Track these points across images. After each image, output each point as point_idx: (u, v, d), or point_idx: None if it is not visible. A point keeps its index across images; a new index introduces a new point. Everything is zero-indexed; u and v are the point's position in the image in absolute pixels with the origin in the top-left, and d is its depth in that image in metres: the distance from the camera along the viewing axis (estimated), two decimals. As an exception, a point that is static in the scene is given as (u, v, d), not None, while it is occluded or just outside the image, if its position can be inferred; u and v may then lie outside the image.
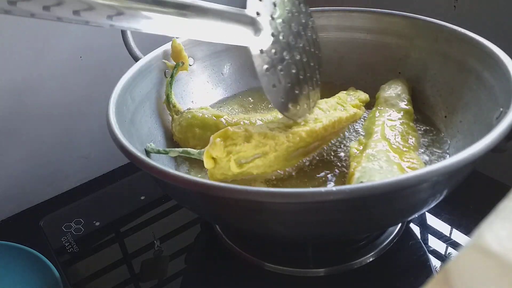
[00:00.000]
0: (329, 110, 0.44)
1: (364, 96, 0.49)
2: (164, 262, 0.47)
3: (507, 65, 0.38)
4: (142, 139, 0.43)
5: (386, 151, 0.39)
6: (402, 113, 0.45)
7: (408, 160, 0.38)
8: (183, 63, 0.49)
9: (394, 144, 0.40)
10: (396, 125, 0.43)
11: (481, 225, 0.17)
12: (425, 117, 0.48)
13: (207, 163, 0.37)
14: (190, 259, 0.47)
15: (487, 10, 0.53)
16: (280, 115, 0.44)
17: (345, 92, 0.49)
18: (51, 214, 0.56)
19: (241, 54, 0.56)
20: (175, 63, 0.49)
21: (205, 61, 0.55)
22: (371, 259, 0.43)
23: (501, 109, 0.36)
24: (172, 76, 0.48)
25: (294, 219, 0.32)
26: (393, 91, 0.48)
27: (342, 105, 0.45)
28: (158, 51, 0.50)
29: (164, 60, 0.49)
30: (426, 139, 0.45)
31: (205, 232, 0.50)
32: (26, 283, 0.46)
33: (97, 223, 0.53)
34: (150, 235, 0.50)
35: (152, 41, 0.51)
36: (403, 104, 0.46)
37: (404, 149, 0.40)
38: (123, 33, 0.49)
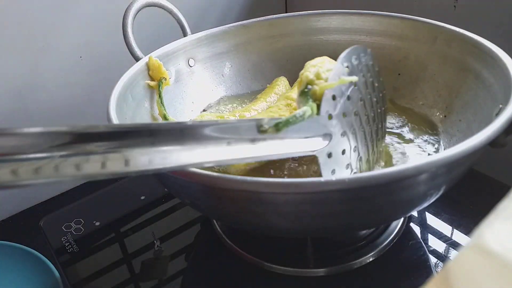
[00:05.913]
0: None
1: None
2: (164, 262, 0.47)
3: (506, 63, 0.38)
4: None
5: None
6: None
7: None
8: (165, 79, 0.48)
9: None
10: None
11: (481, 225, 0.17)
12: (425, 117, 0.48)
13: None
14: (190, 259, 0.47)
15: (487, 10, 0.53)
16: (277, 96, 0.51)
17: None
18: (51, 214, 0.56)
19: (242, 55, 0.56)
20: (157, 82, 0.48)
21: (205, 62, 0.55)
22: (371, 259, 0.43)
23: (500, 105, 0.36)
24: (160, 96, 0.47)
25: (293, 210, 0.31)
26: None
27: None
28: (159, 51, 0.50)
29: (147, 81, 0.48)
30: (424, 139, 0.45)
31: (205, 232, 0.50)
32: (26, 283, 0.46)
33: (97, 223, 0.53)
34: (150, 235, 0.50)
35: (153, 41, 0.52)
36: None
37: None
38: (124, 32, 0.49)
